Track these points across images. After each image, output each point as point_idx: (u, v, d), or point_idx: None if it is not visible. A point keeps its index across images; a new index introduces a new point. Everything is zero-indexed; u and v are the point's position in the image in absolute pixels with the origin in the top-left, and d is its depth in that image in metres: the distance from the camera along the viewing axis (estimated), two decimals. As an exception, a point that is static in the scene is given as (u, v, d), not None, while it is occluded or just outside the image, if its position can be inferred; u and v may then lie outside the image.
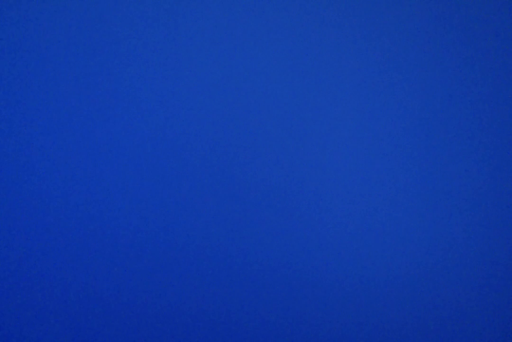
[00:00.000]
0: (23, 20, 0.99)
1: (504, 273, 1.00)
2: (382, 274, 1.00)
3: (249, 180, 1.00)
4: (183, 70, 1.00)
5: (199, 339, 0.99)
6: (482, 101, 1.02)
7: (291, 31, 1.01)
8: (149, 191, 0.99)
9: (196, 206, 0.99)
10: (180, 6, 1.00)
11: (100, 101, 0.99)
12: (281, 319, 0.99)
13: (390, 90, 1.01)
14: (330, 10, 1.01)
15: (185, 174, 0.99)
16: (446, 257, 1.00)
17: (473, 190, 1.01)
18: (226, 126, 1.00)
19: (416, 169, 1.01)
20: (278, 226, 0.99)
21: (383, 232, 1.00)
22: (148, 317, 0.98)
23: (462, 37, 1.02)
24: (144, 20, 1.00)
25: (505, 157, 1.01)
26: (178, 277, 0.99)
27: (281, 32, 1.01)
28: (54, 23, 0.99)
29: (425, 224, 1.00)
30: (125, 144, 0.99)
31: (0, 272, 0.97)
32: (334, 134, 1.00)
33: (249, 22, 1.01)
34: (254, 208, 0.99)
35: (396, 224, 1.00)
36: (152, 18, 1.00)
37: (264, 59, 1.01)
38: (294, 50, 1.01)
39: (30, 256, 0.97)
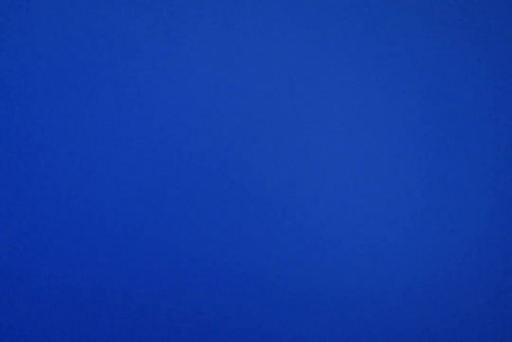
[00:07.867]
0: (23, 20, 0.99)
1: (505, 273, 1.01)
2: (382, 276, 1.00)
3: (248, 180, 1.00)
4: (182, 70, 1.00)
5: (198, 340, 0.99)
6: (482, 101, 1.02)
7: (291, 31, 1.01)
8: (147, 192, 0.99)
9: (194, 207, 0.99)
10: (180, 6, 1.00)
11: (99, 101, 0.99)
12: (282, 322, 1.00)
13: (390, 91, 1.01)
14: (330, 10, 1.02)
15: (184, 174, 0.99)
16: (446, 257, 1.01)
17: (473, 190, 1.01)
18: (225, 126, 1.00)
19: (416, 170, 1.01)
20: (277, 227, 1.00)
21: (383, 234, 1.00)
22: (146, 318, 0.98)
23: (462, 38, 1.02)
24: (144, 19, 1.00)
25: (506, 157, 1.01)
26: (175, 280, 0.99)
27: (281, 32, 1.01)
28: (54, 23, 1.00)
29: (425, 224, 1.00)
30: (123, 145, 0.99)
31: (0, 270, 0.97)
32: (334, 134, 1.01)
33: (249, 22, 1.01)
34: (253, 210, 0.99)
35: (396, 225, 1.00)
36: (152, 18, 1.00)
37: (264, 60, 1.01)
38: (294, 50, 1.01)
39: (27, 256, 0.98)
